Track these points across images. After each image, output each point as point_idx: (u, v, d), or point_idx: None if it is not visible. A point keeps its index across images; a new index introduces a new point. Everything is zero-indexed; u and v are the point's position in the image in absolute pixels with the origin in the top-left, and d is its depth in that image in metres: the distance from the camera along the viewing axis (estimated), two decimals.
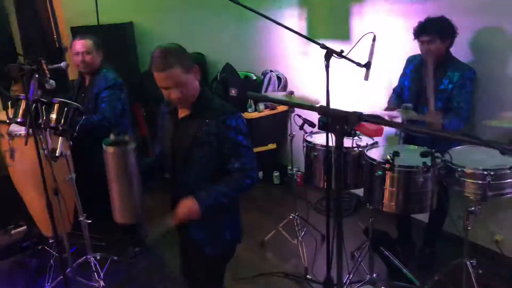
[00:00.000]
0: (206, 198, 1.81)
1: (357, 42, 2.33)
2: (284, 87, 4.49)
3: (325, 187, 2.89)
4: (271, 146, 4.53)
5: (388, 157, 2.41)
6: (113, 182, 1.85)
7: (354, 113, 1.18)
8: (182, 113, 1.93)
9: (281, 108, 4.43)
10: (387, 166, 2.43)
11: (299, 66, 4.34)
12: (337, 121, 1.22)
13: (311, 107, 1.25)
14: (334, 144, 1.23)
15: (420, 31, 2.75)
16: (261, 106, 4.37)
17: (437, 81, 2.79)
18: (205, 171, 1.88)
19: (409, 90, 3.01)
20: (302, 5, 4.10)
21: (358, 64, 2.41)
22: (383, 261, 3.06)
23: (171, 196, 2.03)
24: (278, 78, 4.46)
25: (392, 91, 3.19)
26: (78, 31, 4.36)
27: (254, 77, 4.57)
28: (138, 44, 4.98)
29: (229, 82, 4.42)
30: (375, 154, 2.64)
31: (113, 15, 4.52)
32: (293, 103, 1.38)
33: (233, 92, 4.36)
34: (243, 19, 4.67)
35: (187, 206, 1.81)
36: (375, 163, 2.53)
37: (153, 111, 4.58)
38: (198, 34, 4.78)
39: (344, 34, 3.68)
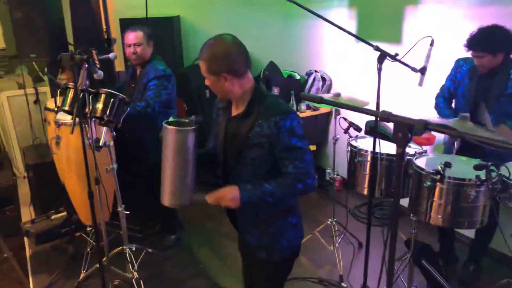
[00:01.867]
0: (250, 191, 1.72)
1: (414, 45, 2.22)
2: (329, 88, 4.39)
3: (367, 194, 2.80)
4: (311, 147, 4.42)
5: (439, 167, 2.29)
6: (168, 161, 1.79)
7: (421, 120, 1.09)
8: (235, 110, 1.86)
9: (323, 109, 4.34)
10: (437, 177, 2.31)
11: (345, 67, 4.23)
12: (401, 129, 1.14)
13: (371, 112, 1.17)
14: (395, 152, 1.15)
15: (469, 47, 2.61)
16: (303, 106, 4.29)
17: (500, 86, 2.64)
18: (257, 173, 1.79)
19: (463, 98, 2.85)
20: (352, 5, 3.99)
21: (413, 69, 2.30)
22: (423, 275, 2.92)
23: None
24: (323, 78, 4.37)
25: (436, 96, 3.04)
26: (127, 23, 4.43)
27: (298, 77, 4.49)
28: (183, 38, 5.00)
29: (272, 81, 4.36)
30: (423, 163, 2.52)
31: (162, 8, 4.55)
32: (353, 107, 1.29)
33: (275, 91, 4.30)
34: (288, 17, 4.61)
35: (229, 191, 1.73)
36: (424, 173, 2.41)
37: (195, 105, 4.59)
38: (243, 30, 4.68)
39: (395, 36, 3.55)
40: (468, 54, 2.70)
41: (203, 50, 1.73)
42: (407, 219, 2.62)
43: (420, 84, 2.34)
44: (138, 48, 3.14)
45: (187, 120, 1.81)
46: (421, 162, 2.54)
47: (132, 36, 3.14)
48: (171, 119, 1.85)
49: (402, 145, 1.15)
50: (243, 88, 1.77)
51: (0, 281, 3.23)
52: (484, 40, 2.56)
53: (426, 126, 1.09)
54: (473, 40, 2.59)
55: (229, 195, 1.72)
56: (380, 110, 1.19)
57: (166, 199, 1.83)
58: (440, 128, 1.08)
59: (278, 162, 1.75)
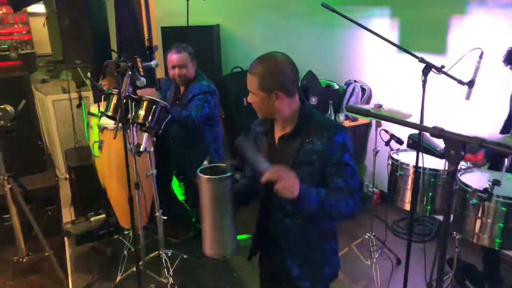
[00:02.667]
0: (309, 188, 1.57)
1: (462, 57, 2.15)
2: (368, 99, 4.31)
3: (408, 208, 2.72)
4: None
5: (488, 185, 2.19)
6: (205, 211, 1.72)
7: (476, 138, 1.04)
8: (279, 131, 1.77)
9: (362, 120, 4.27)
10: (485, 195, 2.21)
11: (385, 78, 4.14)
12: (453, 146, 1.09)
13: (424, 128, 1.13)
14: (447, 170, 1.10)
15: (506, 61, 2.50)
16: (341, 116, 4.23)
17: None
18: None
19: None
20: (394, 14, 3.92)
21: (460, 82, 2.22)
22: None
23: (261, 222, 1.89)
24: (362, 89, 4.30)
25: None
26: (168, 31, 4.53)
27: (337, 86, 4.44)
28: (222, 46, 5.05)
29: (310, 90, 4.33)
30: (470, 179, 2.42)
31: (202, 17, 4.62)
32: (403, 122, 1.25)
33: (313, 100, 4.27)
34: (327, 26, 4.57)
35: (292, 176, 1.54)
36: (470, 190, 2.32)
37: (232, 113, 4.62)
38: (281, 39, 4.74)
39: (440, 48, 3.44)
40: None
41: (255, 65, 1.67)
42: (449, 237, 2.51)
43: (468, 98, 2.25)
44: (183, 69, 3.14)
45: (223, 164, 1.75)
46: (466, 178, 2.44)
47: (176, 58, 3.12)
48: (205, 163, 1.78)
49: (454, 163, 1.10)
50: (292, 107, 1.70)
51: (40, 279, 3.33)
52: None
53: (481, 144, 1.04)
54: (509, 55, 2.50)
55: (292, 179, 1.54)
56: (432, 125, 1.14)
57: (208, 250, 1.77)
58: (496, 146, 1.02)
59: (327, 178, 1.66)
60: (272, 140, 1.79)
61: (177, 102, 3.30)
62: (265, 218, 1.85)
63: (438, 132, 1.13)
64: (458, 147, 1.08)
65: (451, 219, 2.53)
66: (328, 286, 1.89)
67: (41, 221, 3.72)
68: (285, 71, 1.65)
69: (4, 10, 6.81)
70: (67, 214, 4.04)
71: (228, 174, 1.69)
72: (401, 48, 2.37)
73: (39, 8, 6.51)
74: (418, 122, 2.21)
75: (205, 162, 1.78)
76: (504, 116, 2.85)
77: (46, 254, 3.19)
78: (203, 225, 1.75)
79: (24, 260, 3.35)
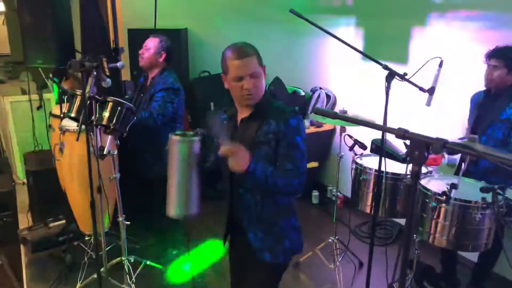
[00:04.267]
0: (257, 164, 1.72)
1: (424, 65, 2.23)
2: (333, 106, 4.39)
3: (371, 212, 2.78)
4: (313, 164, 4.42)
5: (446, 189, 2.28)
6: (173, 172, 1.82)
7: (439, 139, 1.09)
8: (241, 115, 1.90)
9: (327, 126, 4.34)
10: (443, 198, 2.29)
11: (349, 85, 4.24)
12: (417, 147, 1.13)
13: (389, 129, 1.17)
14: (409, 173, 1.14)
15: (492, 54, 2.64)
16: (307, 122, 4.29)
17: (498, 109, 2.65)
18: None
19: (469, 124, 2.88)
20: (359, 24, 4.03)
21: (422, 89, 2.31)
22: None
23: (229, 200, 1.97)
24: (327, 96, 4.38)
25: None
26: (135, 33, 4.46)
27: (303, 93, 4.50)
28: (190, 50, 5.03)
29: (277, 96, 4.36)
30: (429, 183, 2.51)
31: (170, 20, 4.59)
32: (369, 124, 1.29)
33: None
34: (295, 34, 4.65)
35: (244, 151, 1.70)
36: (430, 193, 2.40)
37: (200, 117, 4.59)
38: None
39: (402, 56, 3.57)
40: (477, 78, 2.72)
41: (245, 48, 1.79)
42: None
43: (428, 104, 2.35)
44: (146, 52, 3.17)
45: (192, 133, 1.86)
46: (426, 182, 2.53)
47: (148, 40, 3.19)
48: (177, 132, 1.88)
49: (418, 163, 1.14)
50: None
51: None
52: (506, 52, 2.61)
53: (444, 145, 1.08)
54: (495, 50, 2.64)
55: (243, 154, 1.70)
56: (397, 127, 1.18)
57: (172, 210, 1.84)
58: (459, 147, 1.07)
59: (278, 158, 1.78)
60: (235, 123, 1.92)
61: (141, 95, 3.27)
62: (230, 196, 1.95)
63: (403, 133, 1.17)
64: (422, 148, 1.12)
65: None
66: (289, 259, 2.00)
67: None
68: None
69: None
70: (24, 221, 3.87)
71: (196, 138, 1.82)
72: (366, 55, 2.44)
73: None
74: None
75: (177, 132, 1.88)
76: (462, 120, 2.98)
77: (0, 263, 3.06)
78: (169, 186, 1.83)
79: None
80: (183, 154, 1.81)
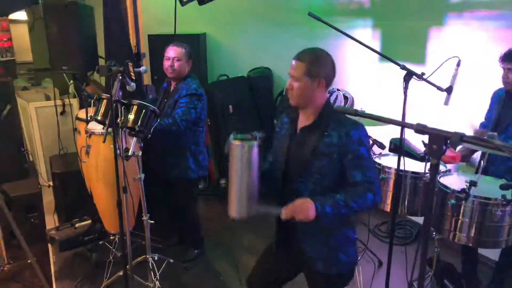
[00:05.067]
0: (324, 202, 1.71)
1: (442, 64, 2.27)
2: (351, 107, 4.43)
3: (390, 211, 2.81)
4: None
5: (465, 186, 2.30)
6: (234, 175, 1.85)
7: (456, 133, 1.13)
8: (302, 123, 1.92)
9: None
10: (462, 195, 2.31)
11: (367, 86, 4.27)
12: (436, 141, 1.17)
13: (408, 124, 1.21)
14: (429, 164, 1.18)
15: (505, 57, 2.64)
16: None
17: None
18: (322, 183, 1.82)
19: (487, 120, 2.89)
20: (376, 25, 4.06)
21: (439, 88, 2.34)
22: None
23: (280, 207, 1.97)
24: (345, 97, 4.41)
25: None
26: (155, 39, 4.57)
27: None
28: (208, 55, 5.12)
29: None
30: (448, 181, 2.53)
31: (189, 25, 4.68)
32: (389, 120, 1.34)
33: None
34: (312, 37, 4.69)
35: (304, 203, 1.71)
36: (449, 191, 2.42)
37: (218, 121, 4.67)
38: (266, 48, 4.84)
39: (419, 57, 3.59)
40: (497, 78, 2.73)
41: (305, 53, 1.85)
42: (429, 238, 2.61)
43: (446, 103, 2.37)
44: (176, 62, 3.18)
45: (250, 136, 1.87)
46: (445, 180, 2.55)
47: (173, 51, 3.18)
48: (236, 136, 1.91)
49: (436, 156, 1.19)
50: (323, 99, 1.87)
51: (21, 287, 3.29)
52: None
53: (461, 138, 1.12)
54: (510, 54, 2.63)
55: (305, 207, 1.70)
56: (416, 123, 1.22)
57: (234, 212, 1.87)
58: (476, 141, 1.11)
59: (346, 171, 1.78)
60: (295, 129, 1.94)
61: (165, 100, 3.33)
62: (283, 204, 1.93)
63: (421, 128, 1.22)
64: (440, 141, 1.16)
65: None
66: (342, 271, 1.96)
67: (23, 228, 3.67)
68: (331, 64, 1.87)
69: None
70: (51, 222, 4.00)
71: (256, 142, 1.83)
72: (384, 56, 2.48)
73: (21, 15, 6.48)
74: (400, 128, 2.32)
75: (234, 134, 1.91)
76: (480, 119, 2.99)
77: (29, 261, 3.16)
78: (230, 189, 1.86)
79: (5, 269, 3.32)
80: (245, 158, 1.83)
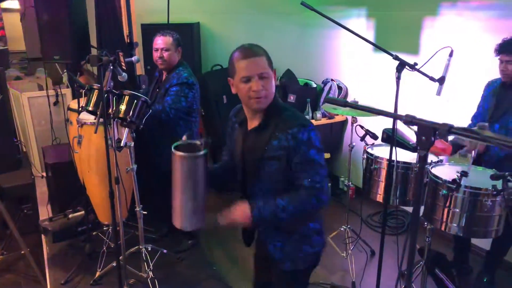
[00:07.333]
0: (262, 208, 1.67)
1: (434, 54, 2.26)
2: (344, 97, 4.42)
3: (382, 201, 2.82)
4: (325, 155, 4.46)
5: (456, 176, 2.31)
6: (177, 186, 1.74)
7: (445, 124, 1.13)
8: (252, 124, 1.81)
9: (339, 117, 4.38)
10: (453, 186, 2.33)
11: (361, 76, 4.27)
12: (424, 132, 1.17)
13: (396, 115, 1.21)
14: (418, 156, 1.18)
15: (501, 49, 2.64)
16: (318, 114, 4.33)
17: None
18: (274, 186, 1.75)
19: (482, 108, 2.90)
20: (370, 16, 4.04)
21: (432, 79, 2.33)
22: (436, 284, 2.93)
23: None
24: (339, 87, 4.40)
25: (470, 120, 3.06)
26: (148, 28, 4.53)
27: (314, 85, 4.53)
28: (202, 44, 5.09)
29: (288, 88, 4.41)
30: (440, 172, 2.54)
31: (183, 14, 4.65)
32: (378, 111, 1.34)
33: (291, 98, 4.35)
34: (306, 26, 4.67)
35: (240, 210, 1.69)
36: (440, 181, 2.43)
37: (212, 111, 4.65)
38: (260, 38, 4.75)
39: (413, 47, 3.59)
40: (491, 68, 2.73)
41: (255, 48, 1.70)
42: (421, 227, 2.63)
43: (438, 94, 2.37)
44: (165, 53, 3.15)
45: (197, 142, 1.77)
46: (437, 171, 2.56)
47: (161, 41, 3.14)
48: (181, 141, 1.81)
49: (425, 148, 1.19)
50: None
51: (16, 278, 3.29)
52: None
53: (450, 129, 1.12)
54: (505, 44, 2.63)
55: (240, 214, 1.68)
56: (404, 114, 1.22)
57: (178, 222, 1.79)
58: (464, 132, 1.11)
59: (293, 174, 1.70)
60: (246, 130, 1.83)
61: (157, 90, 3.31)
62: None
63: (410, 119, 1.22)
64: (429, 132, 1.16)
65: (422, 210, 2.65)
66: (310, 262, 1.94)
67: (17, 219, 3.67)
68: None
69: None
70: (44, 212, 3.99)
71: (202, 152, 1.71)
72: (377, 46, 2.47)
73: (13, 3, 6.40)
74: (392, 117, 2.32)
75: (184, 138, 1.82)
76: (473, 110, 3.00)
77: (22, 252, 3.16)
78: (173, 199, 1.76)
79: None
80: (186, 170, 1.71)
